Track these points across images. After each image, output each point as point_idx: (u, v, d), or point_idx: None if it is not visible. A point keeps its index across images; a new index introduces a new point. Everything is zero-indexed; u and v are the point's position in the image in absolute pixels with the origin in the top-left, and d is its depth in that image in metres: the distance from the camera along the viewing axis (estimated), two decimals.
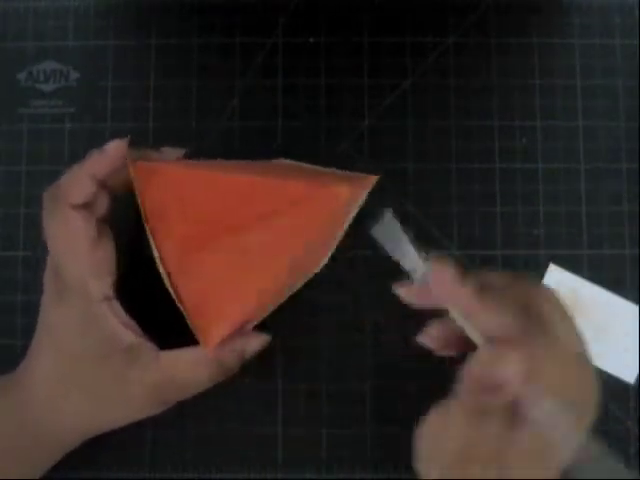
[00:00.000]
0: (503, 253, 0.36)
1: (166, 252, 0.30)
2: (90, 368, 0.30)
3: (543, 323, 0.26)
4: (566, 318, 0.27)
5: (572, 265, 0.36)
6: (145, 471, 0.35)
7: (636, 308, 0.36)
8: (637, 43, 0.38)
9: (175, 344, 0.30)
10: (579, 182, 0.37)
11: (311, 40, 0.38)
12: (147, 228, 0.30)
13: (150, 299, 0.31)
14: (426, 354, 0.30)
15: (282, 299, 0.33)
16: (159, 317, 0.31)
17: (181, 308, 0.30)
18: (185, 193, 0.30)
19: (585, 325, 0.36)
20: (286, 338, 0.35)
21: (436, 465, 0.25)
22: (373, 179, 0.34)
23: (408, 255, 0.27)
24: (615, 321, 0.36)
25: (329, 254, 0.35)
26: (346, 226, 0.35)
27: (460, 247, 0.36)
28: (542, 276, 0.36)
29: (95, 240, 0.29)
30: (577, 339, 0.27)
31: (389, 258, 0.37)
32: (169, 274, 0.30)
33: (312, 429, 0.35)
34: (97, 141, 0.37)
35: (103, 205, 0.30)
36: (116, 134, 0.37)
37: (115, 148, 0.30)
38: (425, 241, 0.36)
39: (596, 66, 0.38)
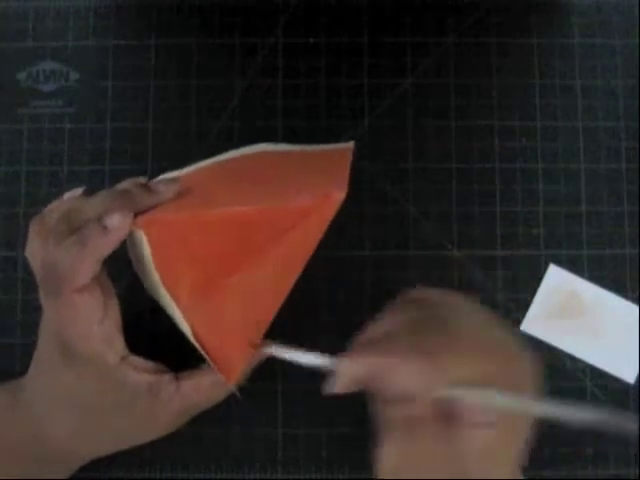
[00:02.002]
0: (503, 253, 0.36)
1: (179, 298, 0.29)
2: (113, 418, 0.30)
3: (442, 326, 0.25)
4: (469, 315, 0.26)
5: (572, 265, 0.36)
6: (145, 471, 0.35)
7: (636, 308, 0.36)
8: (637, 43, 0.38)
9: (184, 350, 0.30)
10: (579, 182, 0.37)
11: (311, 40, 0.38)
12: (158, 277, 0.29)
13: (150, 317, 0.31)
14: None
15: None
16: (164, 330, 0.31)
17: (198, 347, 0.30)
18: (188, 239, 0.28)
19: (585, 325, 0.36)
20: (286, 338, 0.35)
21: None
22: (350, 147, 0.34)
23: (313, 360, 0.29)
24: (615, 321, 0.36)
25: None
26: None
27: (460, 247, 0.36)
28: (542, 276, 0.36)
29: (103, 312, 0.28)
30: (485, 333, 0.26)
31: (389, 258, 0.37)
32: (184, 317, 0.29)
33: (312, 429, 0.35)
34: (97, 141, 0.37)
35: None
36: (116, 134, 0.37)
37: (119, 227, 0.27)
38: (425, 241, 0.37)
39: (596, 66, 0.38)
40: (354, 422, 0.35)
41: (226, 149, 0.36)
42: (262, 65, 0.38)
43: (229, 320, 0.30)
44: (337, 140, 0.37)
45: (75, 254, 0.26)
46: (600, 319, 0.36)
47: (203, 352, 0.30)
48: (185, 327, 0.29)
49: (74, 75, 0.38)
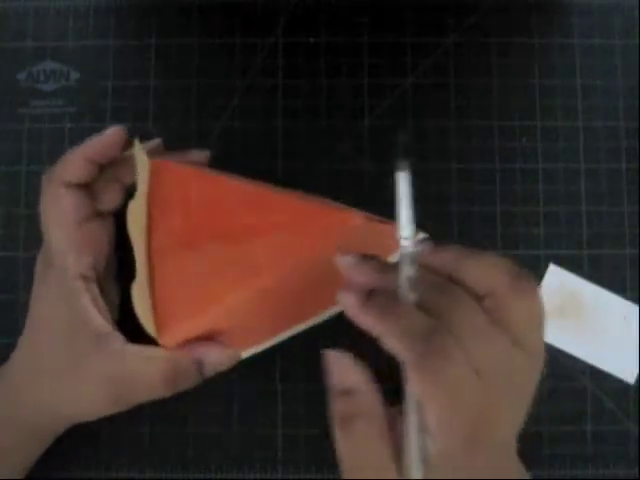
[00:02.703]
0: (503, 253, 0.36)
1: (154, 240, 0.30)
2: (58, 345, 0.30)
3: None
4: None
5: (572, 265, 0.36)
6: (145, 471, 0.35)
7: (636, 308, 0.36)
8: (637, 43, 0.38)
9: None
10: (579, 182, 0.37)
11: (311, 40, 0.38)
12: (145, 205, 0.31)
13: None
14: None
15: (280, 332, 0.33)
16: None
17: (146, 299, 0.30)
18: (193, 192, 0.31)
19: (585, 325, 0.36)
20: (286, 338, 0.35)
21: None
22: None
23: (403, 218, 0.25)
24: (615, 321, 0.36)
25: None
26: None
27: None
28: (542, 276, 0.36)
29: (83, 219, 0.30)
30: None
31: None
32: (149, 262, 0.30)
33: (312, 429, 0.35)
34: None
35: (112, 199, 0.31)
36: None
37: (113, 133, 0.31)
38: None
39: (596, 66, 0.38)
40: None
41: (226, 149, 0.36)
42: (262, 65, 0.38)
43: (188, 280, 0.30)
44: (337, 140, 0.37)
45: (69, 153, 0.31)
46: (600, 319, 0.36)
47: (146, 303, 0.29)
48: (143, 270, 0.30)
49: (74, 75, 0.38)
